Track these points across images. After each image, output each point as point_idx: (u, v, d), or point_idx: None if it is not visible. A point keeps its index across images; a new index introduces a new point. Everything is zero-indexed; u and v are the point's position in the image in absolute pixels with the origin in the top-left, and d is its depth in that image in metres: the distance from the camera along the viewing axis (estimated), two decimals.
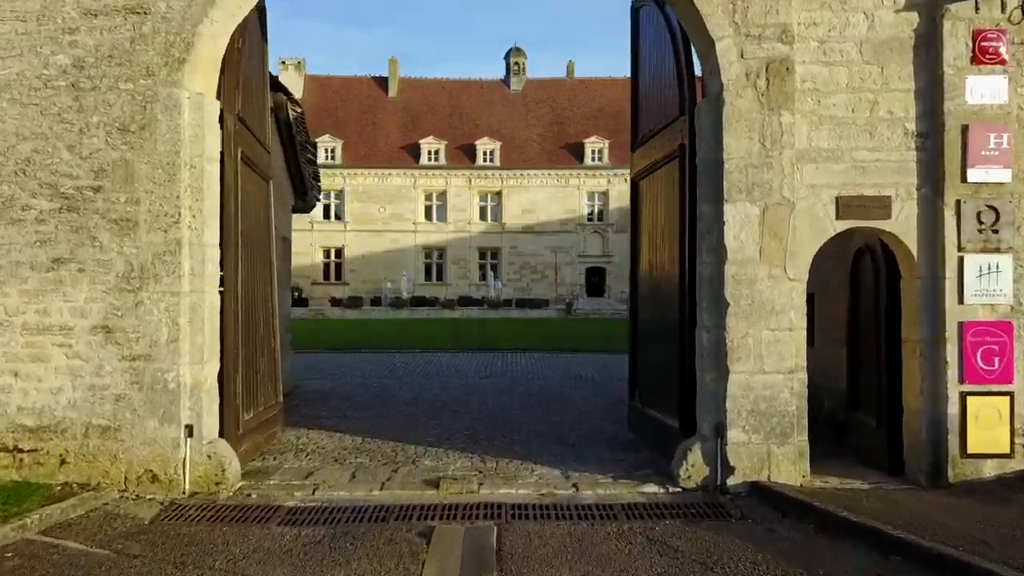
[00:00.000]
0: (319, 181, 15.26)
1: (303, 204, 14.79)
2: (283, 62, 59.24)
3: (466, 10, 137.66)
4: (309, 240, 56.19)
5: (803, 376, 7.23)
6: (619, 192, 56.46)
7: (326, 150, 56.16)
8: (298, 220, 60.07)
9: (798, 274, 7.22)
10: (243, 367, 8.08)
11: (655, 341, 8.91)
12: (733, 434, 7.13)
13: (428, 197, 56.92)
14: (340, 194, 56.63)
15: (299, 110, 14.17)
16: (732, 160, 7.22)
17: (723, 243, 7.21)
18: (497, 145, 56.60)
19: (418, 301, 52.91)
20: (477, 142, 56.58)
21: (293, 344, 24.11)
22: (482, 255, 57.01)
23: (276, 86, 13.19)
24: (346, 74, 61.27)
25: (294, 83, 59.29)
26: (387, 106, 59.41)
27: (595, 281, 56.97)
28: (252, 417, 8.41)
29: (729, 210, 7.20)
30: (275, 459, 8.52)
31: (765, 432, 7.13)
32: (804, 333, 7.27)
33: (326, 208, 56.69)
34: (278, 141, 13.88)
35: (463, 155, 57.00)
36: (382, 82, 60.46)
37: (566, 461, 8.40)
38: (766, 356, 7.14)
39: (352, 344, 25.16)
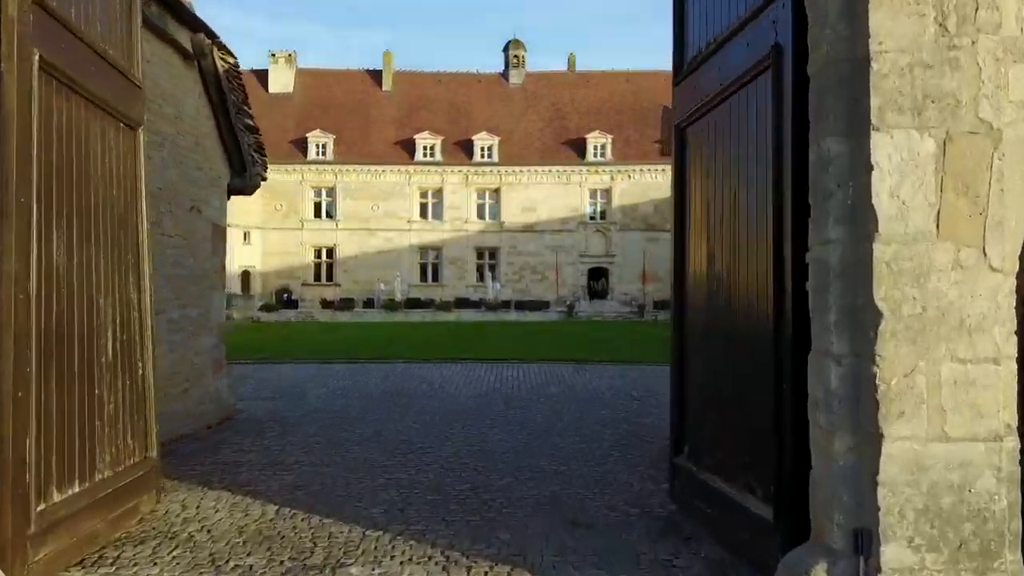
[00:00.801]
0: (264, 155, 11.96)
1: (242, 183, 11.49)
2: (272, 54, 56.20)
3: (464, 2, 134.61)
4: (299, 239, 53.11)
5: (1016, 444, 3.95)
6: (622, 189, 53.31)
7: (317, 145, 53.07)
8: (288, 219, 57.63)
9: (1006, 260, 3.94)
10: (50, 414, 4.81)
11: (722, 369, 5.60)
12: (892, 552, 3.84)
13: (423, 195, 53.70)
14: (332, 191, 53.45)
15: (232, 61, 10.90)
16: (886, 56, 3.94)
17: (869, 205, 3.93)
18: (495, 141, 53.38)
19: (413, 303, 49.73)
20: (475, 137, 53.37)
21: (259, 355, 20.78)
22: (480, 255, 53.79)
23: (196, 24, 9.94)
24: (339, 67, 58.08)
25: (284, 77, 56.24)
26: (381, 100, 56.22)
27: (597, 282, 53.70)
28: (77, 494, 5.13)
29: (881, 145, 3.92)
30: (112, 563, 5.22)
31: (951, 548, 3.84)
32: (1015, 367, 3.99)
33: (317, 206, 53.65)
34: (206, 101, 10.65)
35: (460, 151, 53.80)
36: (376, 75, 57.28)
37: (582, 565, 5.11)
38: (951, 409, 3.87)
39: (328, 353, 21.87)
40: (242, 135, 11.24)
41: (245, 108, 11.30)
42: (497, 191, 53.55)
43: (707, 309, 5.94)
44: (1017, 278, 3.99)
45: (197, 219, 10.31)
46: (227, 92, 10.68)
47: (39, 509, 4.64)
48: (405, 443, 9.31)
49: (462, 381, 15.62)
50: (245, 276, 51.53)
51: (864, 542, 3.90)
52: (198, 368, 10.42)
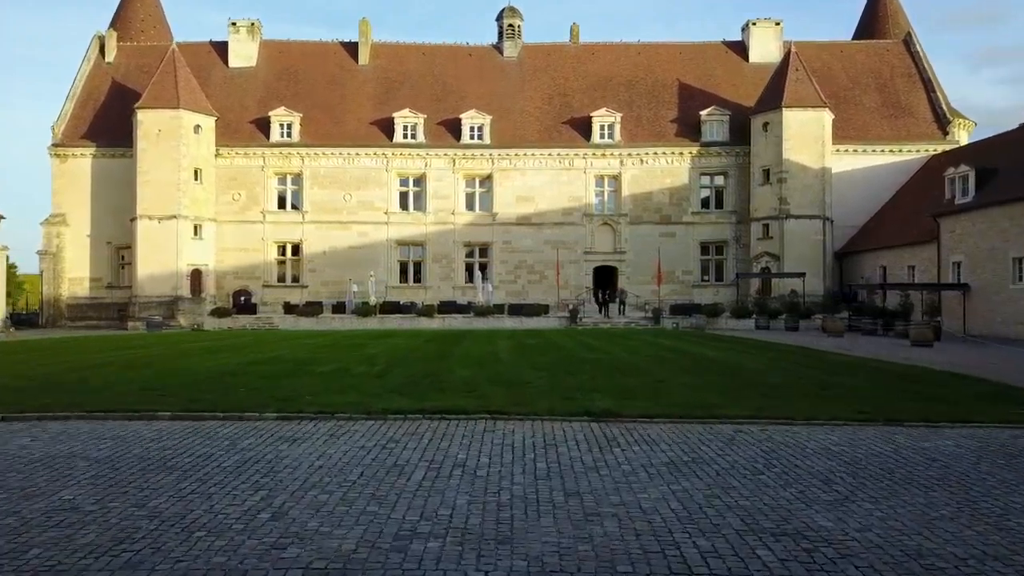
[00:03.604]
0: None
1: None
2: (233, 23, 47.00)
3: None
4: (260, 234, 44.01)
5: None
6: (633, 176, 44.14)
7: (281, 125, 44.02)
8: (247, 210, 46.94)
9: None
10: None
11: None
12: None
13: (403, 182, 44.61)
14: (298, 179, 44.37)
15: None
16: None
17: None
18: (487, 120, 44.26)
19: (390, 307, 40.59)
20: (463, 116, 44.28)
21: (53, 400, 10.94)
22: (469, 252, 44.64)
23: None
24: (309, 39, 49.03)
25: (246, 49, 47.20)
26: (357, 75, 47.14)
27: (605, 283, 44.44)
28: None
29: None
30: None
31: None
32: None
33: (280, 196, 44.61)
34: None
35: (446, 132, 44.69)
36: (351, 48, 48.19)
37: None
38: None
39: (156, 400, 12.62)
40: None
41: None
42: (489, 178, 44.39)
43: None
44: None
45: None
46: None
47: None
48: None
49: (344, 493, 6.45)
50: (195, 276, 42.38)
51: None
52: None
